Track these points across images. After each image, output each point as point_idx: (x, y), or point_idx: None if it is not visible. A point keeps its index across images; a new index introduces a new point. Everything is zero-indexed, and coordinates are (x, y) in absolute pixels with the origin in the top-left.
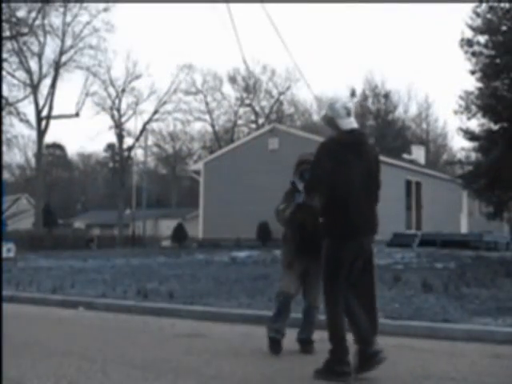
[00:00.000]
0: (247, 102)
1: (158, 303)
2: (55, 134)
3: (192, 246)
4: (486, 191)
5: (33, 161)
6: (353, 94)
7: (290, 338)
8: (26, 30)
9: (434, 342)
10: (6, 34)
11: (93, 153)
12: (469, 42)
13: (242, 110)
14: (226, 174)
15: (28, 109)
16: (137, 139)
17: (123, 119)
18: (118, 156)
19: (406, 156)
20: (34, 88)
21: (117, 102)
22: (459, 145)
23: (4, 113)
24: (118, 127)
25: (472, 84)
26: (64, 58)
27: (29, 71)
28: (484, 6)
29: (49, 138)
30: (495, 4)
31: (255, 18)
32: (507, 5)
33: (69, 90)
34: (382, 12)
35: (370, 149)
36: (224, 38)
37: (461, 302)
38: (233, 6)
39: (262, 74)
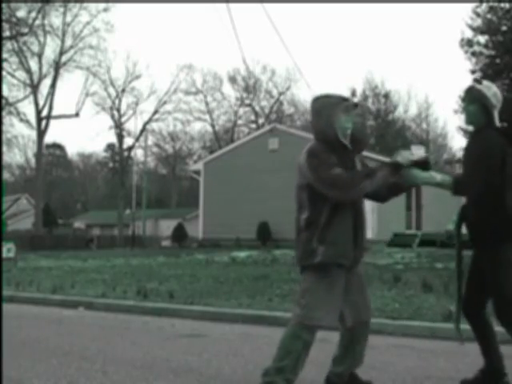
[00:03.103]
0: (247, 102)
1: (157, 303)
2: (55, 134)
3: (192, 246)
4: None
5: (33, 161)
6: (353, 94)
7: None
8: (26, 30)
9: (434, 342)
10: (6, 34)
11: (93, 153)
12: (469, 42)
13: (241, 110)
14: (225, 173)
15: (28, 109)
16: (137, 139)
17: (123, 119)
18: (118, 156)
19: None
20: (34, 88)
21: (117, 102)
22: (459, 144)
23: (4, 113)
24: (118, 127)
25: None
26: (64, 58)
27: (29, 71)
28: (484, 6)
29: (49, 138)
30: (495, 4)
31: (255, 18)
32: (507, 5)
33: (69, 90)
34: (382, 12)
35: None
36: (224, 38)
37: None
38: (233, 6)
39: (262, 74)
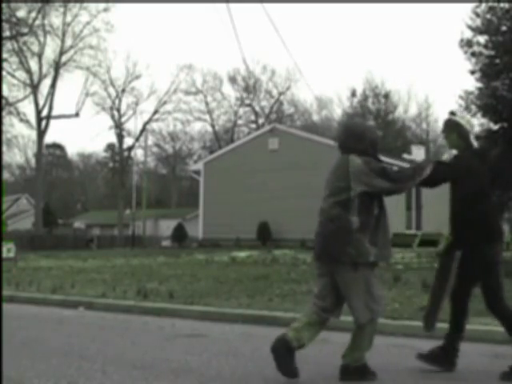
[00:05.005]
0: (247, 102)
1: (157, 303)
2: (55, 133)
3: (192, 246)
4: None
5: (33, 161)
6: (353, 94)
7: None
8: (26, 30)
9: (434, 342)
10: (6, 34)
11: (93, 153)
12: (468, 43)
13: (241, 110)
14: (225, 174)
15: (28, 109)
16: (137, 139)
17: (123, 119)
18: (118, 156)
19: (406, 156)
20: (34, 88)
21: (117, 102)
22: None
23: (4, 113)
24: (118, 127)
25: (472, 84)
26: (64, 58)
27: (29, 71)
28: (484, 6)
29: (49, 138)
30: (495, 4)
31: (255, 18)
32: (507, 5)
33: (69, 89)
34: (382, 12)
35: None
36: (224, 38)
37: None
38: (233, 6)
39: (262, 74)
